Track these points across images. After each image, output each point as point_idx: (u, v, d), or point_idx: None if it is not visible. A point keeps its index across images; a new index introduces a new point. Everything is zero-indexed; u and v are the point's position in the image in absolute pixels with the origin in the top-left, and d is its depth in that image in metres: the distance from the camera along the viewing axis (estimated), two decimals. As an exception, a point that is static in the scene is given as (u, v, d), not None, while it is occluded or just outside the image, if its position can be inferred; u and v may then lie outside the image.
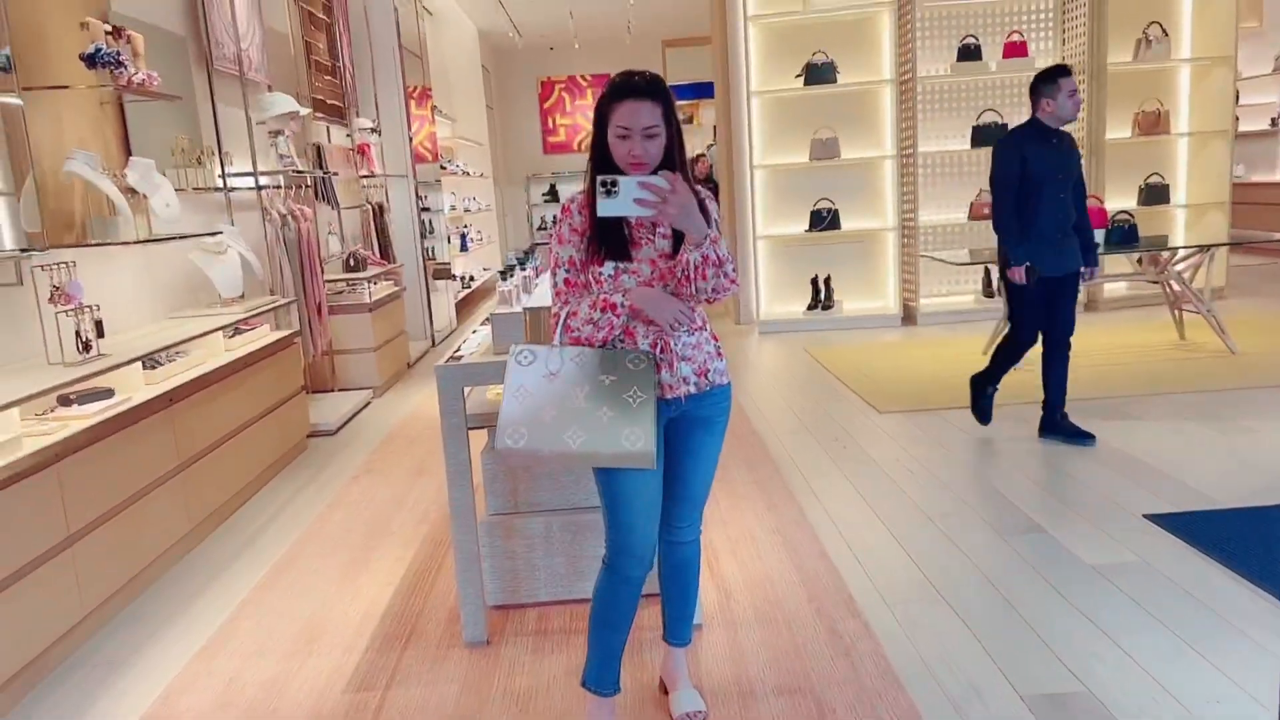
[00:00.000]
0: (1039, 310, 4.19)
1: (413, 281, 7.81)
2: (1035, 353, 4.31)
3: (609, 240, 2.01)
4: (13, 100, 3.21)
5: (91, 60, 3.57)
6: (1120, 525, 3.34)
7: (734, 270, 1.98)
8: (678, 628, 2.38)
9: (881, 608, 2.86)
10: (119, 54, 3.66)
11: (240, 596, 3.23)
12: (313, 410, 5.45)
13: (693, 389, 2.08)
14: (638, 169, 1.95)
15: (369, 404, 6.12)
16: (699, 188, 2.04)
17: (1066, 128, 4.17)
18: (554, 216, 12.80)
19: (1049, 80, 4.03)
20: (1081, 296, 7.60)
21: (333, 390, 6.14)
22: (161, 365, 3.73)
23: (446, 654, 2.75)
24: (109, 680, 2.71)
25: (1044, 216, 4.09)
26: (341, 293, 6.32)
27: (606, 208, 1.89)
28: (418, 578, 3.31)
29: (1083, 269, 4.21)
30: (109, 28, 3.74)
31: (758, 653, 2.64)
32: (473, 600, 2.77)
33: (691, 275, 1.93)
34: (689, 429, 2.14)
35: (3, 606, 2.51)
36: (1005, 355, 4.38)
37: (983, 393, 4.50)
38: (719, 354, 2.15)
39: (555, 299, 2.08)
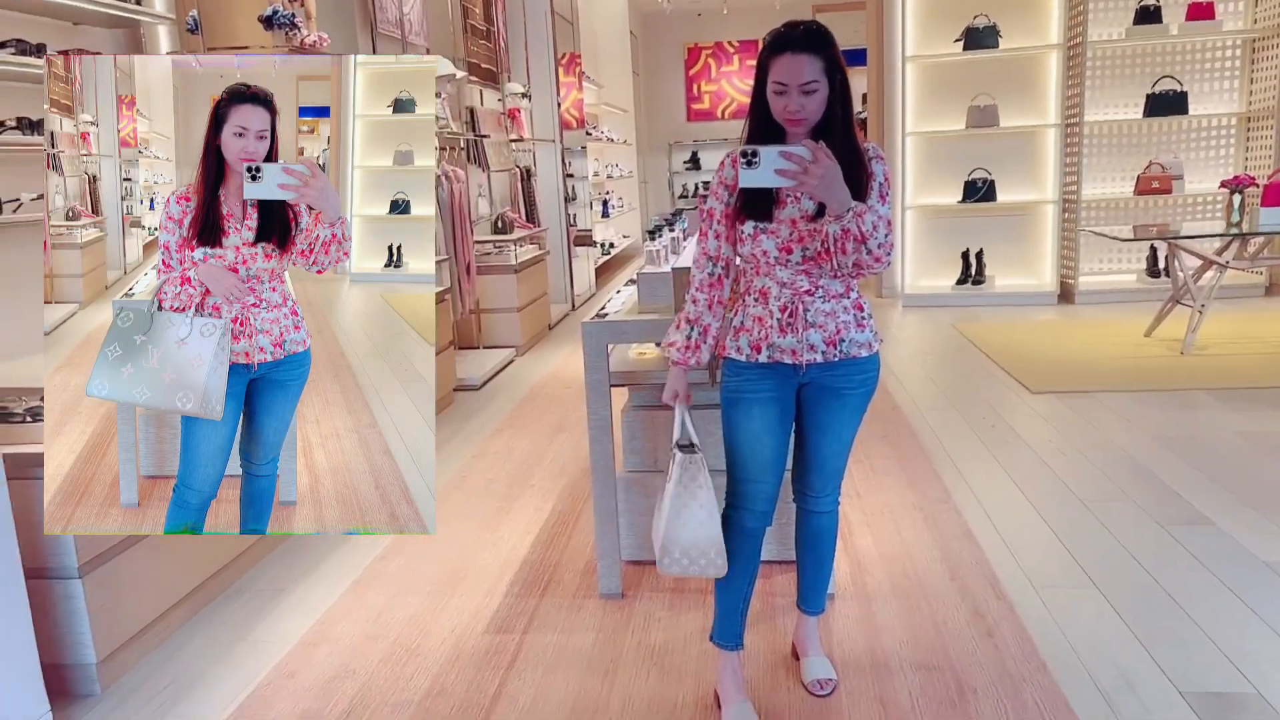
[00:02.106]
0: None
1: (556, 246, 7.93)
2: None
3: (753, 199, 1.98)
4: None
5: (269, 22, 3.77)
6: (1299, 523, 3.09)
7: (884, 245, 1.87)
8: (811, 595, 2.36)
9: (1029, 591, 2.75)
10: (294, 16, 3.85)
11: (389, 538, 3.39)
12: (459, 366, 5.64)
13: (819, 358, 2.03)
14: (794, 125, 1.91)
15: (512, 362, 6.28)
16: (870, 145, 1.97)
17: None
18: (696, 185, 12.47)
19: None
20: (1263, 279, 7.05)
21: (478, 347, 6.34)
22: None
23: (583, 604, 2.81)
24: (271, 605, 2.90)
25: None
26: (489, 254, 6.49)
27: (748, 179, 1.86)
28: (556, 529, 3.40)
29: None
30: (285, -9, 3.93)
31: (893, 627, 2.58)
32: (609, 554, 2.82)
33: (832, 249, 1.88)
34: (818, 397, 2.10)
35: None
36: None
37: None
38: (860, 324, 2.05)
39: (695, 263, 2.12)
